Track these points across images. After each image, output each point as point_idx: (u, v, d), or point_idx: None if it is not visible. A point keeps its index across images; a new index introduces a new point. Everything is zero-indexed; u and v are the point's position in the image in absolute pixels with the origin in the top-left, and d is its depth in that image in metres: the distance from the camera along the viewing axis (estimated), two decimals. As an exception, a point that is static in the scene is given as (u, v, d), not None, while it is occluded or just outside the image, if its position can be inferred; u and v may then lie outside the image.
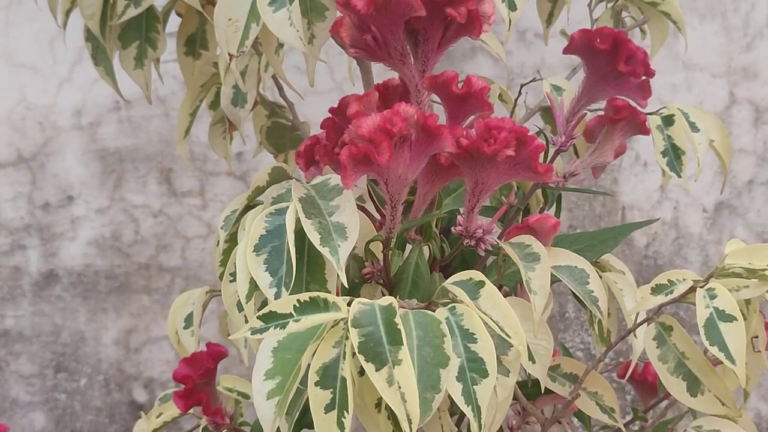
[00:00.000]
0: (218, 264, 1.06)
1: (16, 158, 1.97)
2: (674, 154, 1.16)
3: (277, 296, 0.85)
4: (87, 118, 1.96)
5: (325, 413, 0.79)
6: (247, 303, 0.89)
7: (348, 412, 0.78)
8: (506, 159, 0.90)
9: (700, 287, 0.98)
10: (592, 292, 0.98)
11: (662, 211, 1.93)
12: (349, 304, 0.81)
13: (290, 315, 0.79)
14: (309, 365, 0.80)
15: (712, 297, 0.97)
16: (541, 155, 0.93)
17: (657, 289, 1.01)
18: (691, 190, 1.11)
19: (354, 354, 0.79)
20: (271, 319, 0.79)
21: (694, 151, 1.17)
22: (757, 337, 1.02)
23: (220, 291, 1.28)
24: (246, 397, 1.26)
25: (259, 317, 0.79)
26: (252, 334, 0.78)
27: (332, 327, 0.81)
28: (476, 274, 0.88)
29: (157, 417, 1.24)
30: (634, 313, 1.03)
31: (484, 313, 0.85)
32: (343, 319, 0.80)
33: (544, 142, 1.01)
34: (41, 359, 2.03)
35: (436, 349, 0.81)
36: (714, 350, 0.94)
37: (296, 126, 1.33)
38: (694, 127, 1.18)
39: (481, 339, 0.83)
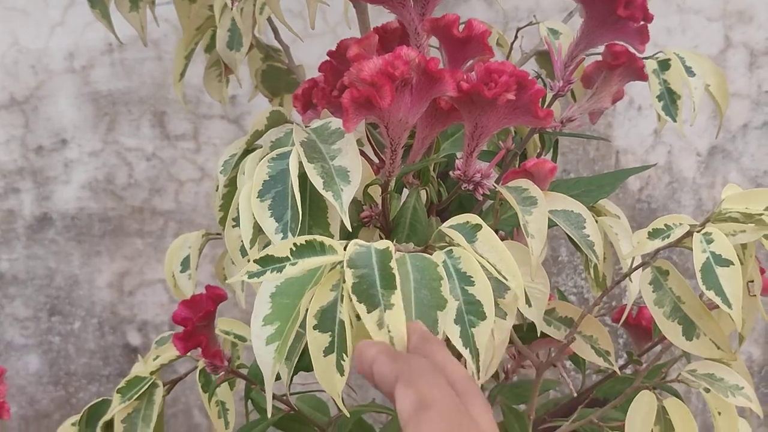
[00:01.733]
0: (218, 209, 1.06)
1: (9, 101, 1.96)
2: (670, 99, 1.16)
3: (283, 241, 0.85)
4: (79, 62, 1.95)
5: (324, 356, 0.79)
6: (251, 248, 0.88)
7: (347, 355, 0.78)
8: (506, 103, 0.90)
9: (697, 232, 0.98)
10: (588, 236, 0.98)
11: (656, 156, 1.93)
12: (346, 248, 0.81)
13: (287, 258, 0.79)
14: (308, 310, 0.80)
15: (709, 242, 0.97)
16: (541, 100, 0.93)
17: (654, 234, 1.01)
18: (685, 134, 1.11)
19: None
20: (268, 262, 0.78)
21: (689, 95, 1.17)
22: (752, 281, 1.03)
23: (216, 234, 1.29)
24: (243, 339, 1.26)
25: (256, 261, 0.78)
26: (249, 277, 0.78)
27: (330, 270, 0.81)
28: (473, 218, 0.88)
29: (154, 359, 1.24)
30: (630, 258, 1.04)
31: (481, 256, 0.85)
32: (340, 262, 0.80)
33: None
34: (35, 302, 2.03)
35: (433, 292, 0.80)
36: (711, 294, 0.94)
37: (291, 69, 1.33)
38: (690, 72, 1.18)
39: (478, 281, 0.83)
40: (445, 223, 0.89)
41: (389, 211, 0.98)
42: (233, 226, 0.98)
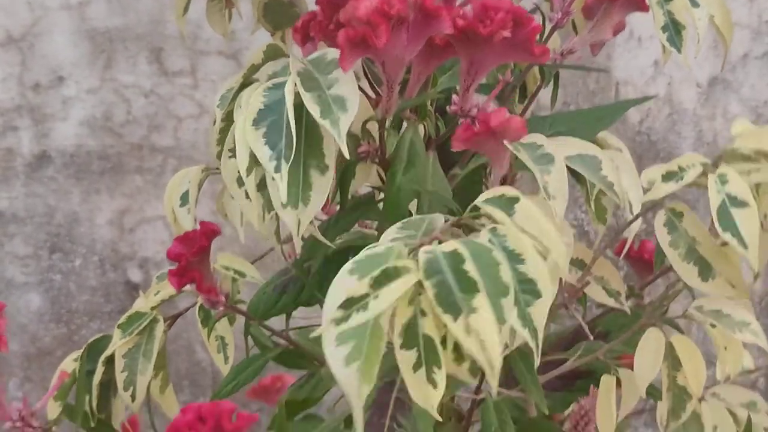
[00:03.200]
0: (215, 143, 1.05)
1: (5, 39, 1.95)
2: (674, 30, 1.15)
3: (277, 169, 0.84)
4: (75, -3, 1.94)
5: (414, 372, 0.75)
6: (247, 177, 0.87)
7: (438, 367, 0.75)
8: (502, 40, 0.88)
9: (711, 173, 0.97)
10: (606, 177, 0.96)
11: (656, 87, 1.92)
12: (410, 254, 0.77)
13: (367, 295, 0.74)
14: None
15: (724, 182, 0.95)
16: (538, 36, 0.92)
17: (668, 176, 0.99)
18: (690, 65, 1.11)
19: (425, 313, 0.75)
20: (352, 304, 0.73)
21: (694, 26, 1.16)
22: (766, 216, 1.02)
23: (216, 169, 1.28)
24: (242, 275, 1.26)
25: (339, 306, 0.73)
26: (337, 324, 0.72)
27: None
28: (508, 190, 0.84)
29: (155, 294, 1.25)
30: (642, 201, 1.02)
31: (523, 230, 0.81)
32: (418, 280, 0.76)
33: (541, 20, 1.00)
34: (36, 240, 2.03)
35: (495, 279, 0.76)
36: (727, 236, 0.92)
37: (294, 2, 1.32)
38: (694, 3, 1.16)
39: (528, 259, 0.78)
40: (479, 198, 0.84)
41: (386, 147, 0.98)
42: (229, 157, 0.97)
